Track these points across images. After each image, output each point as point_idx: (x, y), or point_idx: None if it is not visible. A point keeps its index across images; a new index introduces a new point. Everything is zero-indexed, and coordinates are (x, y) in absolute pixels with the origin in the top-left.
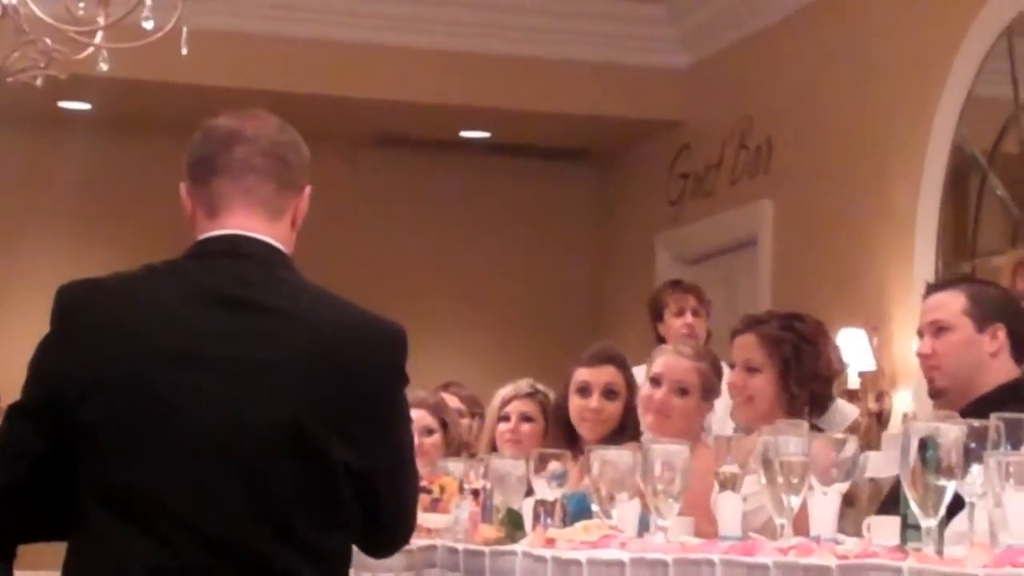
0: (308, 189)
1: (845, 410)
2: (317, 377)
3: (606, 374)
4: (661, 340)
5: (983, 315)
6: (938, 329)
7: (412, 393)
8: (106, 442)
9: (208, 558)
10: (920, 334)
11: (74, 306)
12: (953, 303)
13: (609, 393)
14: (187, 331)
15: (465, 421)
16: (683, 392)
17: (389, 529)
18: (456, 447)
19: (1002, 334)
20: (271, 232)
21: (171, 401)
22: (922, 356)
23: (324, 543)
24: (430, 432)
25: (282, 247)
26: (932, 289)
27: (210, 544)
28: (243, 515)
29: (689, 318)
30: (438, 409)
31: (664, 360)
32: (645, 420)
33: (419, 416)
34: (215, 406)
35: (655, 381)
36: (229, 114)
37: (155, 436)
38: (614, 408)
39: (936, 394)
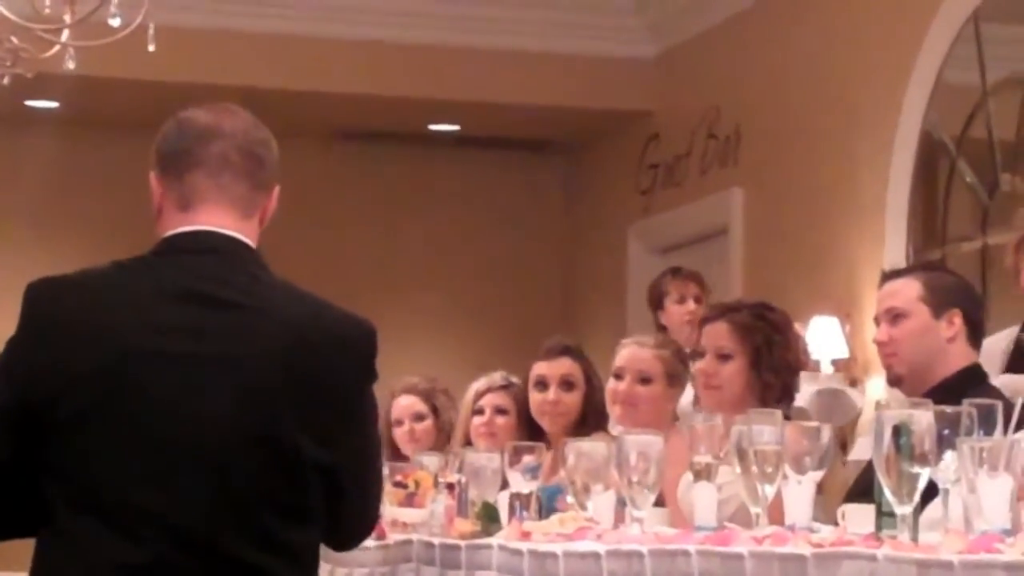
0: (277, 189)
1: (855, 399)
2: (286, 373)
3: (562, 366)
4: (662, 329)
5: (939, 301)
6: (894, 316)
7: (403, 379)
8: (75, 439)
9: (176, 553)
10: (877, 322)
11: (42, 304)
12: (909, 290)
13: (566, 385)
14: (156, 328)
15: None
16: (646, 381)
17: (352, 525)
18: (448, 432)
19: (958, 320)
20: (242, 229)
21: (139, 398)
22: (879, 343)
23: (293, 538)
24: (421, 418)
25: (252, 244)
26: (887, 277)
27: (178, 539)
28: (210, 510)
29: (691, 305)
30: (429, 395)
31: (625, 353)
32: (613, 413)
33: (410, 402)
34: (183, 402)
35: (618, 375)
36: (204, 108)
37: (124, 433)
38: (572, 400)
39: (894, 381)
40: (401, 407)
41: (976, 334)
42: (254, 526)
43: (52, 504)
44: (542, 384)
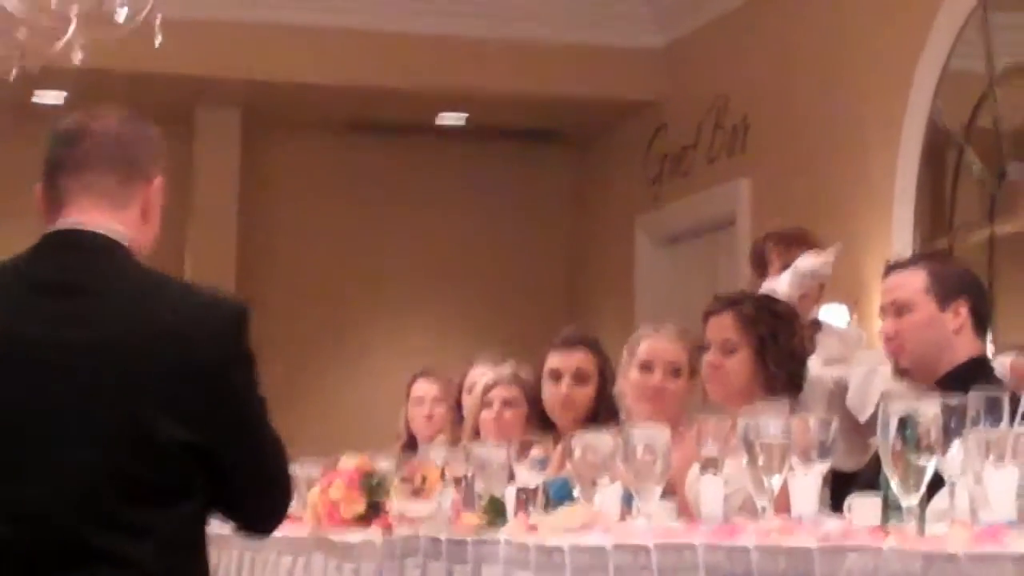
0: (159, 180)
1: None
2: (141, 360)
3: (576, 358)
4: None
5: (945, 292)
6: (899, 308)
7: (424, 366)
8: None
9: (40, 539)
10: (882, 313)
11: None
12: (914, 281)
13: (579, 377)
14: (15, 318)
15: (440, 409)
16: (676, 374)
17: (246, 507)
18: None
19: (964, 310)
20: (113, 223)
21: None
22: (885, 336)
23: (146, 519)
24: (439, 402)
25: (123, 237)
26: (892, 268)
27: (41, 526)
28: (61, 494)
29: None
30: (449, 384)
31: (650, 344)
32: (639, 407)
33: (429, 386)
34: (37, 393)
35: (646, 367)
36: (79, 112)
37: None
38: (585, 393)
39: (901, 373)
40: (421, 390)
41: (982, 324)
42: (113, 511)
43: None
44: (555, 376)
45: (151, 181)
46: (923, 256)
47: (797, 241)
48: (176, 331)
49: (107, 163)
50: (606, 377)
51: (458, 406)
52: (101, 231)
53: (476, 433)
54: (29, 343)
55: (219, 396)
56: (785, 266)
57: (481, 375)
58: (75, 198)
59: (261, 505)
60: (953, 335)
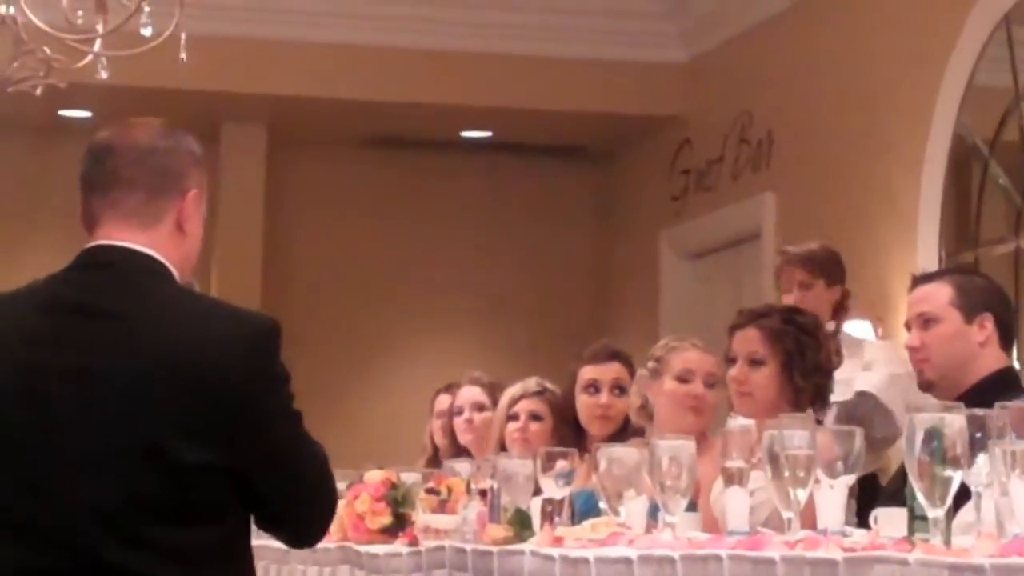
0: (193, 192)
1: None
2: (162, 382)
3: (613, 370)
4: None
5: (970, 306)
6: (925, 321)
7: (467, 373)
8: None
9: (59, 562)
10: (908, 326)
11: None
12: (940, 295)
13: (618, 389)
14: (37, 342)
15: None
16: (713, 385)
17: (286, 523)
18: None
19: (990, 324)
20: (145, 240)
21: (18, 413)
22: (911, 349)
23: (181, 541)
24: (481, 408)
25: (157, 254)
26: (918, 281)
27: (61, 547)
28: (88, 518)
29: (795, 294)
30: (493, 389)
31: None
32: (679, 418)
33: (472, 392)
34: (60, 414)
35: (684, 377)
36: (111, 127)
37: (7, 444)
38: (623, 404)
39: (926, 387)
40: (463, 396)
41: (1008, 337)
42: (135, 532)
43: None
44: (593, 388)
45: (185, 194)
46: (949, 270)
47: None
48: (201, 353)
49: (134, 179)
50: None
51: (448, 430)
52: (131, 248)
53: (502, 446)
54: (53, 370)
55: (244, 416)
56: (801, 285)
57: (468, 398)
58: (104, 217)
59: (301, 520)
60: (979, 348)
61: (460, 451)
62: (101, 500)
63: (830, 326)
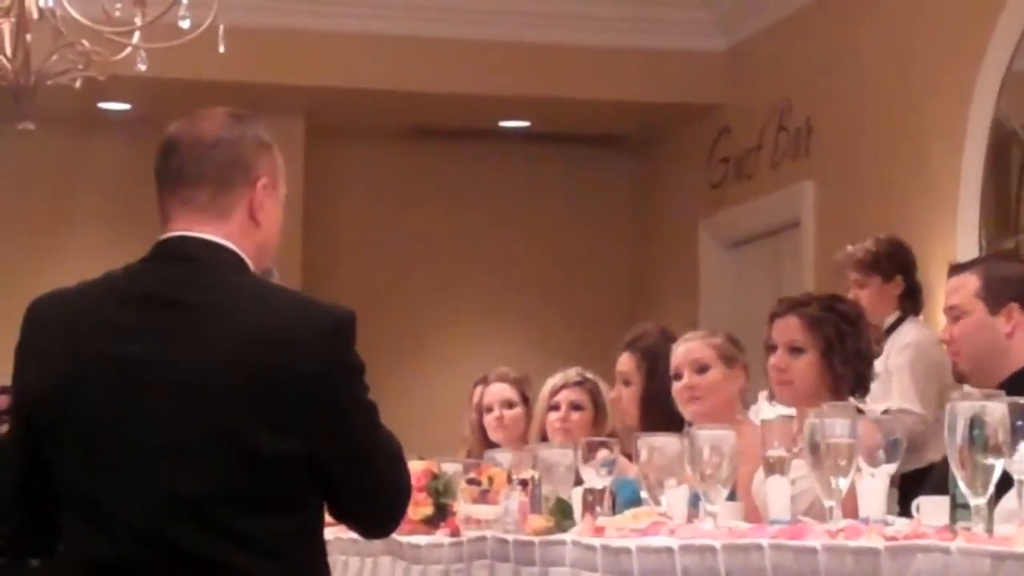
0: (263, 181)
1: None
2: (243, 370)
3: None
4: None
5: (996, 297)
6: (955, 314)
7: (496, 369)
8: (55, 444)
9: (140, 550)
10: (944, 317)
11: (32, 317)
12: (967, 286)
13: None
14: (118, 334)
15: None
16: (703, 370)
17: (361, 513)
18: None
19: (1016, 314)
20: (218, 232)
21: (100, 404)
22: (944, 342)
23: (259, 530)
24: (511, 405)
25: (232, 245)
26: (951, 271)
27: (141, 537)
28: (168, 508)
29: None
30: (520, 383)
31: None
32: (685, 412)
33: (501, 389)
34: (140, 405)
35: (676, 376)
36: (180, 120)
37: (89, 436)
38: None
39: (960, 378)
40: (492, 394)
41: None
42: (215, 521)
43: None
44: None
45: (255, 183)
46: (982, 259)
47: (867, 265)
48: (280, 344)
49: (200, 175)
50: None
51: (478, 427)
52: (207, 239)
53: (543, 436)
54: (133, 361)
55: (321, 406)
56: (856, 284)
57: (496, 393)
58: (175, 212)
59: (376, 511)
60: (1006, 339)
61: (489, 447)
62: (181, 489)
63: (891, 318)
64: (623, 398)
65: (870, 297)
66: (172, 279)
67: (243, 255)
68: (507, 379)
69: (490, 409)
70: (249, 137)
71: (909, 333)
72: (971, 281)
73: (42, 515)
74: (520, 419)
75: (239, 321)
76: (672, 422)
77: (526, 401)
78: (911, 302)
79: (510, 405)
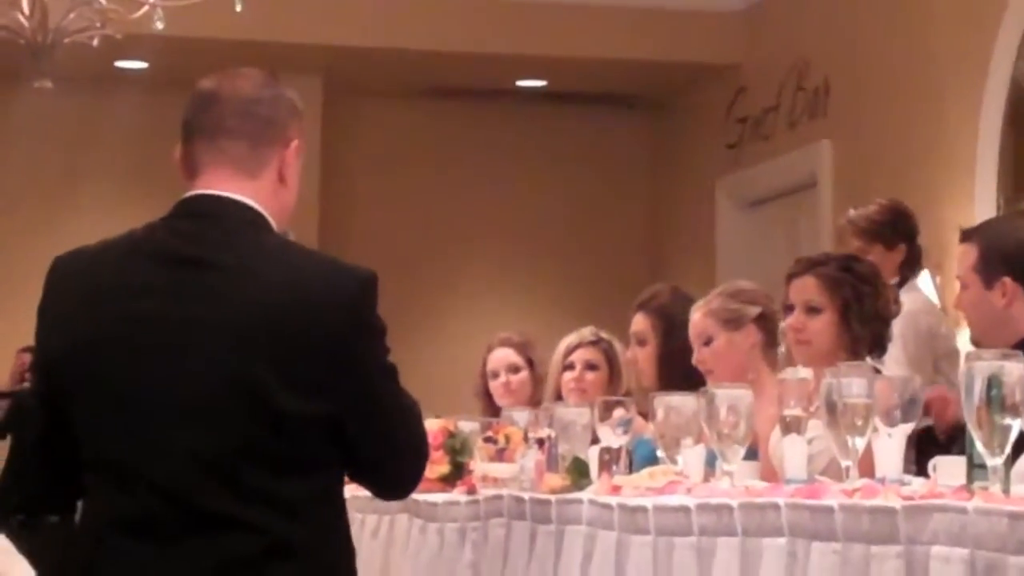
0: (295, 143)
1: None
2: (267, 329)
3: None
4: None
5: (989, 270)
6: (961, 284)
7: (498, 334)
8: (77, 403)
9: (162, 507)
10: None
11: (55, 276)
12: (968, 257)
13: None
14: (141, 292)
15: (523, 374)
16: (708, 341)
17: (379, 474)
18: (543, 385)
19: (1010, 286)
20: (248, 190)
21: (122, 362)
22: (956, 308)
23: (282, 490)
24: (516, 370)
25: (258, 204)
26: (960, 238)
27: (163, 494)
28: (191, 466)
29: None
30: (524, 347)
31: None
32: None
33: (505, 354)
34: (163, 364)
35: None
36: (214, 74)
37: (108, 394)
38: None
39: (976, 343)
40: (496, 359)
41: None
42: (236, 479)
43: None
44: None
45: (288, 144)
46: (984, 225)
47: (871, 233)
48: (303, 303)
49: (239, 128)
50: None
51: (484, 392)
52: (232, 198)
53: (558, 396)
54: (155, 319)
55: (343, 367)
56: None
57: (500, 358)
58: (208, 164)
59: (394, 472)
60: (1004, 311)
61: (495, 413)
62: (203, 448)
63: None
64: (639, 359)
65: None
66: (196, 237)
67: (267, 215)
68: (510, 343)
69: (496, 375)
70: (285, 99)
71: (905, 302)
72: (971, 253)
73: (62, 473)
74: (526, 383)
75: (262, 281)
76: (690, 381)
77: (531, 365)
78: (910, 268)
79: (515, 370)
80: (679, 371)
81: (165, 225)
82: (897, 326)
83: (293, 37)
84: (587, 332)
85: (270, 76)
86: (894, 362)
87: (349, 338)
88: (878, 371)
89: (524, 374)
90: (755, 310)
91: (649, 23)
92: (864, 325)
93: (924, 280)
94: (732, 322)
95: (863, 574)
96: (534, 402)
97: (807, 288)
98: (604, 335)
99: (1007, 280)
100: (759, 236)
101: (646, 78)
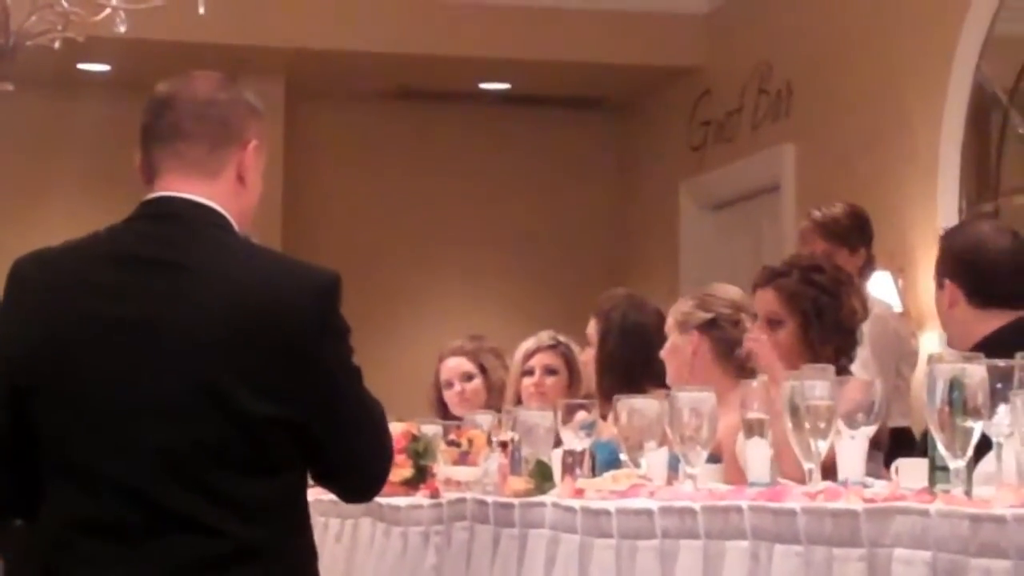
0: (253, 144)
1: None
2: (228, 332)
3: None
4: None
5: (938, 273)
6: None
7: (448, 343)
8: (39, 405)
9: (125, 509)
10: None
11: (15, 277)
12: (935, 263)
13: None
14: (103, 294)
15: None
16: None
17: (343, 477)
18: (498, 390)
19: (950, 289)
20: (207, 192)
21: (85, 363)
22: None
23: (245, 491)
24: (469, 378)
25: (218, 206)
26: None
27: (125, 496)
28: (155, 468)
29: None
30: (476, 354)
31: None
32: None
33: (457, 363)
34: (126, 365)
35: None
36: (171, 79)
37: (74, 396)
38: None
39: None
40: (449, 369)
41: (984, 293)
42: (200, 481)
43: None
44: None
45: (245, 145)
46: (948, 230)
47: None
48: (266, 305)
49: (196, 131)
50: None
51: (438, 402)
52: (193, 199)
53: (518, 400)
54: (119, 320)
55: (306, 368)
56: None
57: (453, 367)
58: (166, 168)
59: (358, 475)
60: (950, 311)
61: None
62: (164, 449)
63: None
64: (588, 361)
65: None
66: (158, 239)
67: (229, 217)
68: (462, 352)
69: (450, 384)
70: (242, 100)
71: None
72: (936, 257)
73: (26, 476)
74: (480, 391)
75: (225, 282)
76: (631, 385)
77: (484, 371)
78: (869, 271)
79: (469, 378)
80: (618, 374)
81: (127, 227)
82: (865, 326)
83: (256, 40)
84: (545, 336)
85: (226, 78)
86: (859, 363)
87: (312, 340)
88: (850, 373)
89: (477, 381)
90: (704, 316)
91: (612, 26)
92: (825, 340)
93: (886, 282)
94: (680, 324)
95: None
96: (489, 409)
97: (768, 300)
98: (562, 339)
99: (947, 283)
100: (722, 238)
101: (610, 81)
